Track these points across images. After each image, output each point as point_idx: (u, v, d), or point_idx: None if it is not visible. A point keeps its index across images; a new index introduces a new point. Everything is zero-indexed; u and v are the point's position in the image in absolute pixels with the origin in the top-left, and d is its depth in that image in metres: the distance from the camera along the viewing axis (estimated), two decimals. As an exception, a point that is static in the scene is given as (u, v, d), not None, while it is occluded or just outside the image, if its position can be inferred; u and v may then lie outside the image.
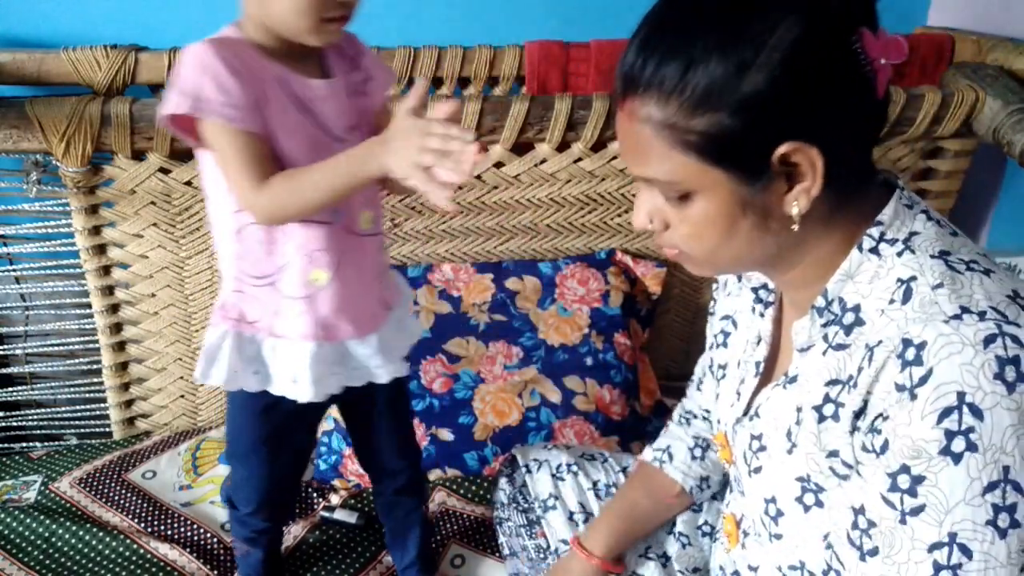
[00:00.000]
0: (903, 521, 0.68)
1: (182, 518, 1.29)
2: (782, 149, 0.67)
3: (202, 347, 0.92)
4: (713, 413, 1.00)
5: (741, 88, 0.65)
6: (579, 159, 1.43)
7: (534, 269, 1.51)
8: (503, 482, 1.21)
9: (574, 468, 1.17)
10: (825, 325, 0.77)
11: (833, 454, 0.75)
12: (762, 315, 0.90)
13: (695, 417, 1.11)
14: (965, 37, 1.47)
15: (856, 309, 0.74)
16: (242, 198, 0.83)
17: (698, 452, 1.07)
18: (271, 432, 1.00)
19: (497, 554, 1.21)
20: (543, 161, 1.43)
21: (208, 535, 1.25)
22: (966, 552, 0.66)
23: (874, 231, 0.74)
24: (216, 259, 1.28)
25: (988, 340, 0.65)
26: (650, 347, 1.58)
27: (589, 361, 1.43)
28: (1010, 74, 1.40)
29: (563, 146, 1.42)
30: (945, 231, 0.74)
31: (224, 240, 0.90)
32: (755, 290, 0.91)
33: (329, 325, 0.92)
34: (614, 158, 1.43)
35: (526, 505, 1.17)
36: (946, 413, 0.65)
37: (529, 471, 1.18)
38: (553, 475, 1.16)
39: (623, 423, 1.40)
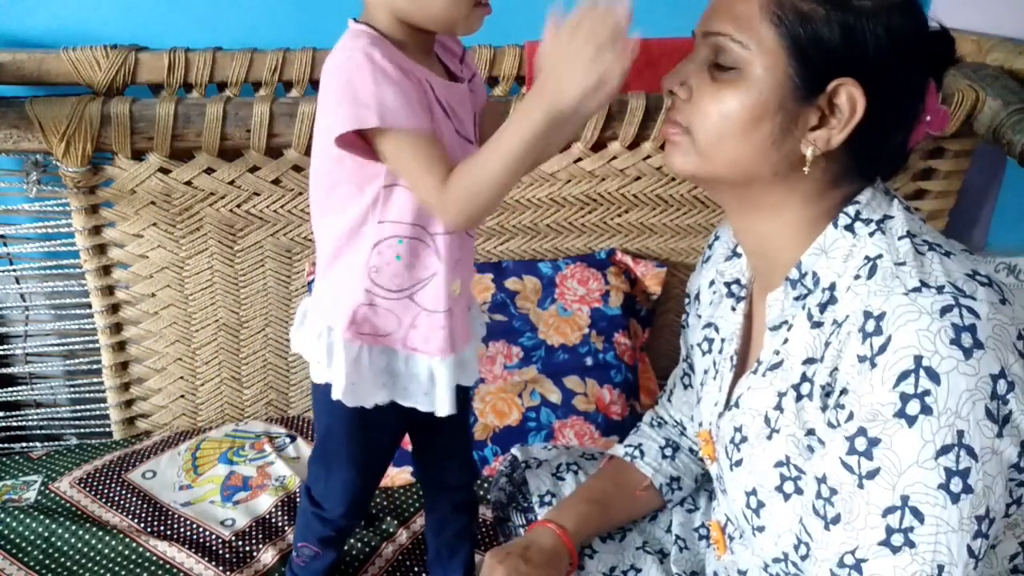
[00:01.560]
0: (860, 486, 0.70)
1: (182, 518, 1.29)
2: (843, 81, 0.71)
3: (333, 368, 0.87)
4: (696, 415, 1.01)
5: (854, 8, 0.70)
6: (579, 159, 1.43)
7: (534, 269, 1.51)
8: (503, 481, 1.21)
9: (574, 467, 1.17)
10: (798, 298, 0.78)
11: (810, 432, 0.76)
12: (733, 309, 0.92)
13: (665, 423, 1.12)
14: (965, 37, 1.47)
15: (832, 287, 0.76)
16: (433, 201, 0.77)
17: (669, 452, 1.09)
18: (374, 438, 0.98)
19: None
20: (543, 161, 1.43)
21: (208, 534, 1.25)
22: (917, 515, 0.67)
23: (851, 209, 0.77)
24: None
25: (944, 310, 0.67)
26: (650, 347, 1.58)
27: (589, 361, 1.43)
28: (1010, 74, 1.40)
29: (563, 146, 1.42)
30: (915, 217, 0.77)
31: (352, 254, 0.85)
32: (728, 285, 0.93)
33: (457, 335, 0.89)
34: (614, 158, 1.43)
35: (526, 504, 1.17)
36: (903, 376, 0.67)
37: (529, 467, 1.18)
38: (553, 474, 1.16)
39: (623, 423, 1.40)
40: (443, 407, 0.89)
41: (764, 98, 0.72)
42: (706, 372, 0.97)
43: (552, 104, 0.71)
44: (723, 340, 0.94)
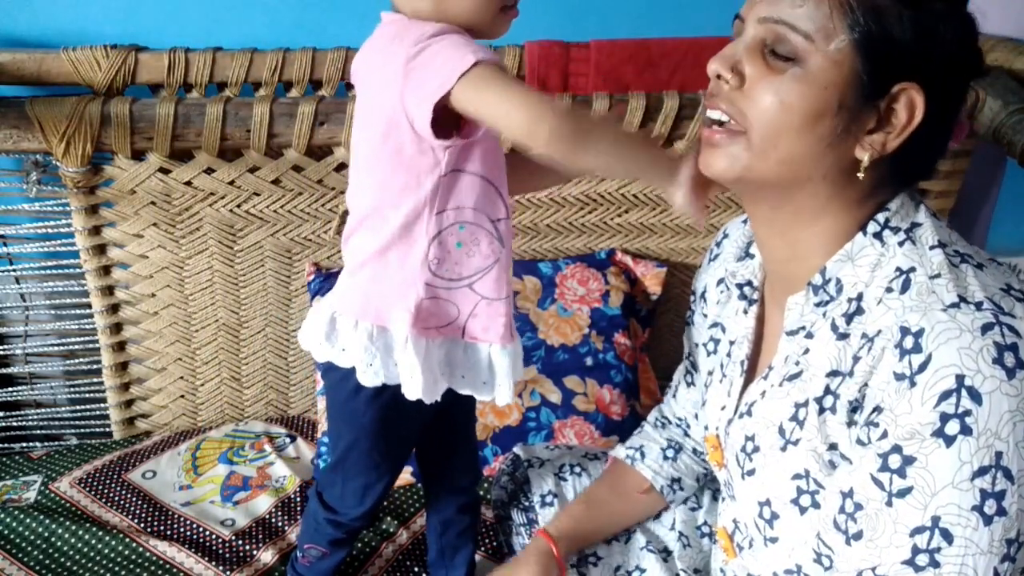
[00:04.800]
0: (889, 503, 0.68)
1: (182, 518, 1.29)
2: (907, 85, 0.69)
3: (403, 368, 0.85)
4: (701, 419, 1.00)
5: (926, 8, 0.68)
6: (579, 159, 1.43)
7: (534, 269, 1.51)
8: (505, 480, 1.21)
9: (577, 469, 1.17)
10: (819, 305, 0.77)
11: (833, 447, 0.75)
12: (745, 312, 0.90)
13: (669, 423, 1.11)
14: (965, 37, 1.47)
15: (859, 298, 0.74)
16: (535, 113, 0.73)
17: (670, 453, 1.08)
18: (398, 444, 0.98)
19: (495, 555, 1.21)
20: (543, 161, 1.43)
21: (208, 534, 1.25)
22: (947, 537, 0.66)
23: (880, 217, 0.75)
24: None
25: (986, 328, 0.66)
26: (650, 347, 1.58)
27: (589, 361, 1.43)
28: (1010, 74, 1.40)
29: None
30: (943, 224, 0.76)
31: (405, 249, 0.84)
32: (740, 287, 0.91)
33: (513, 324, 0.89)
34: (614, 158, 1.43)
35: (527, 503, 1.17)
36: (945, 396, 0.65)
37: (532, 466, 1.18)
38: (556, 474, 1.16)
39: (623, 423, 1.40)
40: (504, 396, 0.88)
41: (828, 94, 0.69)
42: (711, 374, 0.96)
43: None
44: (731, 343, 0.92)
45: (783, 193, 0.75)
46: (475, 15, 0.78)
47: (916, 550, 0.67)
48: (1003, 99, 1.35)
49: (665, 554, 1.06)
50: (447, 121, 0.78)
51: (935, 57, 0.69)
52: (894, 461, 0.68)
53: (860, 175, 0.72)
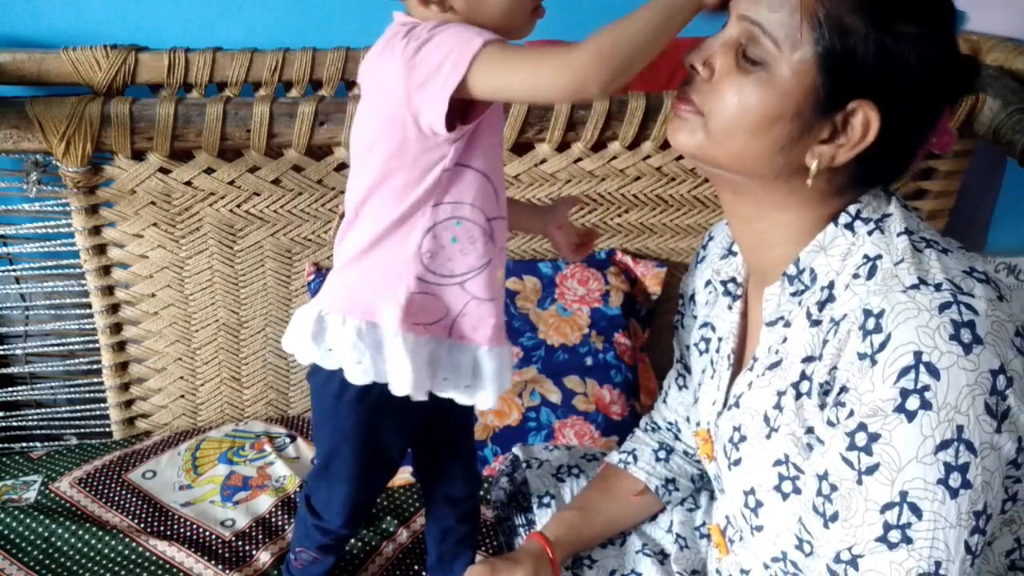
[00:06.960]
0: (859, 481, 0.70)
1: (182, 518, 1.29)
2: (862, 104, 0.70)
3: (391, 364, 0.84)
4: (693, 418, 1.01)
5: (895, 31, 0.69)
6: (579, 159, 1.43)
7: (534, 269, 1.51)
8: (504, 481, 1.21)
9: (576, 470, 1.18)
10: (795, 294, 0.79)
11: (810, 431, 0.76)
12: (730, 308, 0.92)
13: (659, 428, 1.12)
14: (965, 37, 1.47)
15: (830, 286, 0.76)
16: (565, 67, 0.74)
17: (662, 454, 1.09)
18: (381, 455, 0.97)
19: (496, 555, 1.21)
20: (543, 161, 1.43)
21: (208, 534, 1.25)
22: (916, 511, 0.67)
23: (852, 208, 0.77)
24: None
25: (943, 307, 0.68)
26: (650, 347, 1.58)
27: (589, 361, 1.44)
28: (1010, 74, 1.40)
29: (563, 146, 1.42)
30: (912, 215, 0.78)
31: (398, 241, 0.83)
32: (724, 283, 0.93)
33: (502, 327, 0.89)
34: (614, 158, 1.43)
35: (526, 504, 1.17)
36: (904, 372, 0.67)
37: (530, 467, 1.18)
38: (554, 475, 1.17)
39: (623, 423, 1.40)
40: (488, 400, 0.88)
41: (785, 102, 0.71)
42: (703, 372, 0.97)
43: None
44: (720, 339, 0.94)
45: (740, 182, 0.78)
46: (509, 17, 0.78)
47: (888, 526, 0.68)
48: (1003, 99, 1.35)
49: (662, 557, 1.06)
50: (451, 112, 0.77)
51: (896, 79, 0.70)
52: (860, 439, 0.69)
53: (808, 182, 0.73)
